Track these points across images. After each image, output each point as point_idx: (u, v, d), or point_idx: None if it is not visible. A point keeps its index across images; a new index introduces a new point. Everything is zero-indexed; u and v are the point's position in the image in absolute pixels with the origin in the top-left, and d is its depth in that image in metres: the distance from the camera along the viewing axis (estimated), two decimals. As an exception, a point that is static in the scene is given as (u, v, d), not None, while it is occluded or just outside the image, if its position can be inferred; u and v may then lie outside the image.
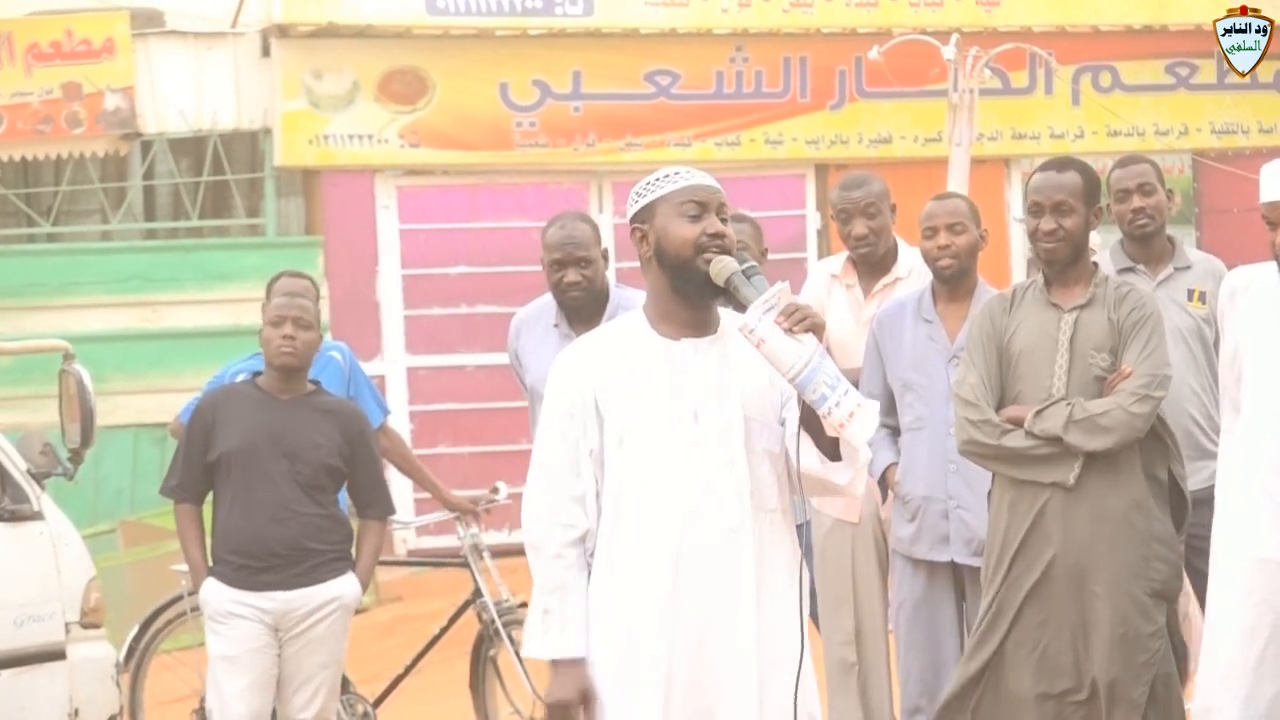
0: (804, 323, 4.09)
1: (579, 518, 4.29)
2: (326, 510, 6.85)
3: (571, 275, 6.41)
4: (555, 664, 4.30)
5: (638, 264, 4.38)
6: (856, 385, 4.17)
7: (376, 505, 7.01)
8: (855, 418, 4.08)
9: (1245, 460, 5.34)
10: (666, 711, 4.22)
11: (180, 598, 7.94)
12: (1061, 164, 5.84)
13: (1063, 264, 5.74)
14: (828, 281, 7.04)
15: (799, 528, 7.02)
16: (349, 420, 6.94)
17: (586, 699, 4.25)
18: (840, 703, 6.81)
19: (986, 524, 5.85)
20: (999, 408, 5.68)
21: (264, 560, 6.75)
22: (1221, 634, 5.32)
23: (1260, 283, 5.46)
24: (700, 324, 4.31)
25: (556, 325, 6.52)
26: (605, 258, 6.51)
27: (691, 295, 4.28)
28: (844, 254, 7.06)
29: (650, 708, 4.22)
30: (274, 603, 6.77)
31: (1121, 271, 6.47)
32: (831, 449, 4.23)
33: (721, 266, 4.21)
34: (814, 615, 6.34)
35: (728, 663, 4.23)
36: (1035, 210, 5.75)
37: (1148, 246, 6.55)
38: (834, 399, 4.07)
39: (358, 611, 7.18)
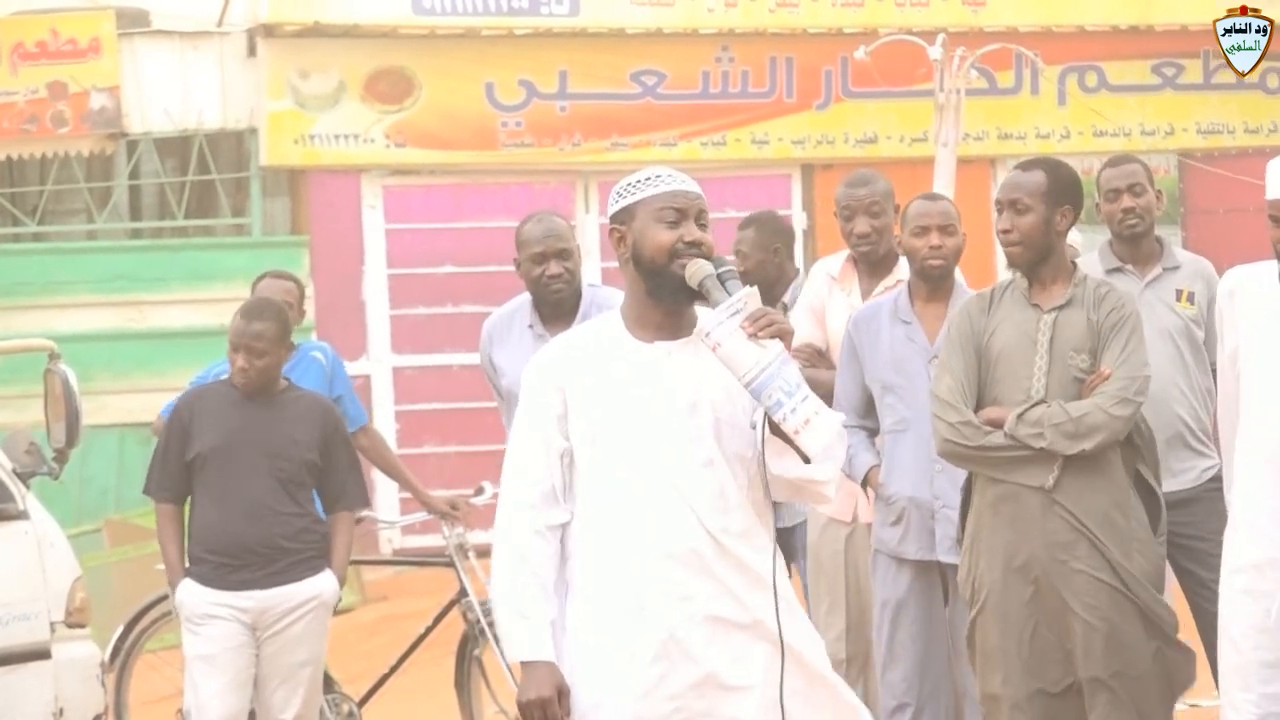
0: (769, 329, 4.09)
1: (551, 516, 4.30)
2: (303, 509, 6.84)
3: (554, 267, 6.42)
4: (526, 664, 4.29)
5: (624, 263, 4.40)
6: None
7: (349, 497, 6.97)
8: (811, 425, 4.07)
9: (1246, 460, 5.36)
10: (642, 706, 4.22)
11: (165, 597, 7.92)
12: (1029, 164, 5.80)
13: (1026, 265, 5.69)
14: (828, 283, 7.00)
15: (794, 529, 7.04)
16: (324, 414, 6.95)
17: (561, 693, 4.25)
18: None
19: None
20: (977, 409, 5.66)
21: (241, 559, 6.74)
22: (1234, 632, 5.35)
23: (1259, 282, 5.44)
24: (674, 327, 4.31)
25: (531, 326, 6.51)
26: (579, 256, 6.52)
27: (666, 299, 4.28)
28: (843, 254, 7.02)
29: (625, 702, 4.23)
30: (252, 601, 6.76)
31: (1110, 272, 6.44)
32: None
33: (696, 269, 4.22)
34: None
35: (700, 663, 4.22)
36: (997, 208, 5.74)
37: (1137, 247, 6.54)
38: (789, 405, 4.06)
39: (341, 610, 7.17)
